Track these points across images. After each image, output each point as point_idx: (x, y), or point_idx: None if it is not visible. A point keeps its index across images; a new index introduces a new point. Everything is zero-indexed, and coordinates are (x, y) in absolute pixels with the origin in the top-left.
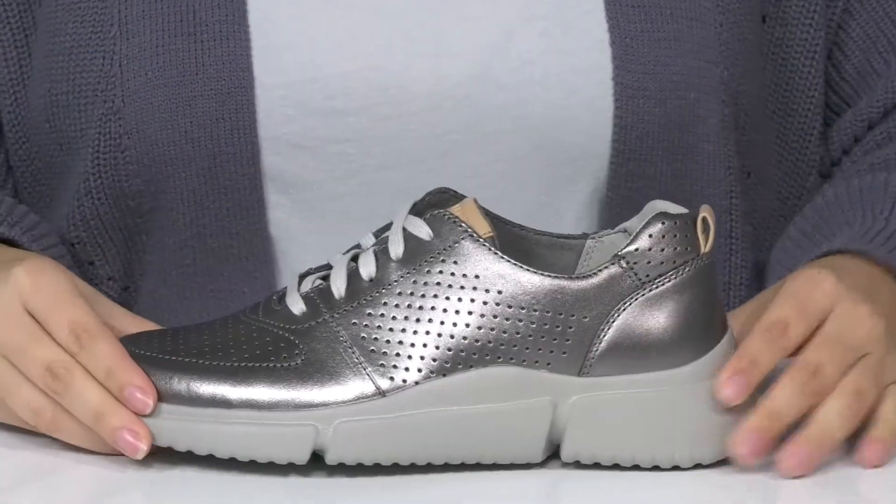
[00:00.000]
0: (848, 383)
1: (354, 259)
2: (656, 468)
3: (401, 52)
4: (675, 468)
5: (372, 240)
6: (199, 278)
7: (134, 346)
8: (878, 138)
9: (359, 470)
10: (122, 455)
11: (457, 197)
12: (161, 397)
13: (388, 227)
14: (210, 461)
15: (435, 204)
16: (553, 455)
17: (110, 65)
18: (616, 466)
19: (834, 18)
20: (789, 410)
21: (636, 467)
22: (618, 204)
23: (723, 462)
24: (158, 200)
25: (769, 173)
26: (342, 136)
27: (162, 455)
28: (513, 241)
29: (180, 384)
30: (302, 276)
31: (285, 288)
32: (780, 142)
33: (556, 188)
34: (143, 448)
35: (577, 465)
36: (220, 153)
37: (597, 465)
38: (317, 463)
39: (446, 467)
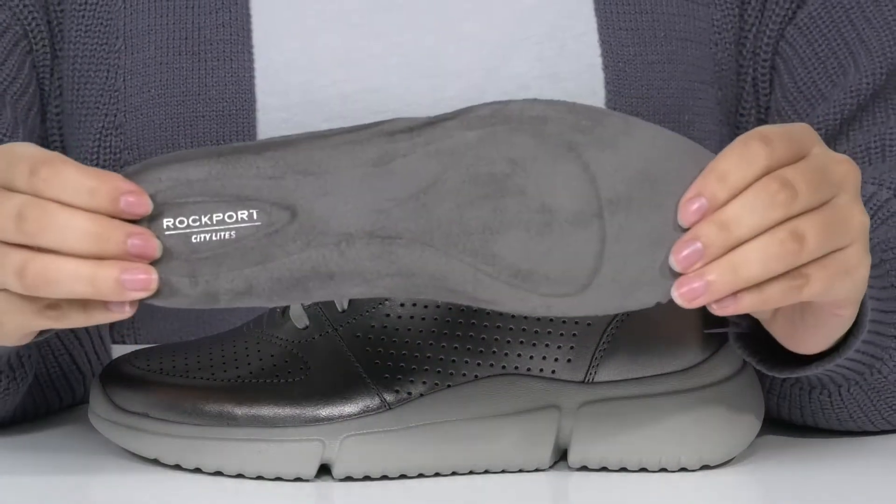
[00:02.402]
0: (794, 224)
1: None
2: (663, 470)
3: (397, 73)
4: (683, 470)
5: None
6: None
7: (137, 364)
8: None
9: (367, 478)
10: (130, 454)
11: None
12: (167, 416)
13: None
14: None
15: None
16: (560, 459)
17: (114, 79)
18: (623, 469)
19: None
20: (744, 220)
21: (643, 470)
22: None
23: (730, 463)
24: None
25: None
26: None
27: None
28: None
29: (186, 403)
30: None
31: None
32: None
33: None
34: (157, 244)
35: (585, 468)
36: None
37: (604, 469)
38: (323, 467)
39: (453, 473)
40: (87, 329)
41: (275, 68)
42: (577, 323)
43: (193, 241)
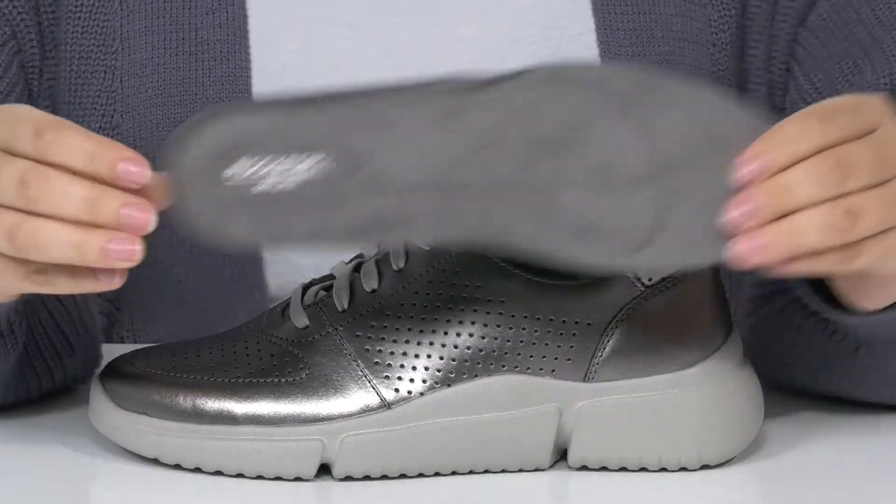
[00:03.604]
0: (851, 200)
1: (357, 269)
2: (663, 470)
3: (393, 74)
4: (683, 470)
5: (374, 249)
6: (192, 295)
7: (137, 363)
8: None
9: (367, 477)
10: (130, 454)
11: None
12: (167, 415)
13: None
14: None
15: None
16: (560, 459)
17: (111, 80)
18: (623, 469)
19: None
20: (800, 189)
21: (643, 470)
22: None
23: (730, 463)
24: None
25: None
26: None
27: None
28: None
29: (185, 402)
30: (305, 287)
31: (288, 299)
32: None
33: None
34: (153, 218)
35: (585, 468)
36: None
37: (604, 468)
38: (323, 467)
39: (453, 473)
40: (74, 299)
41: (271, 69)
42: (577, 322)
43: (255, 190)
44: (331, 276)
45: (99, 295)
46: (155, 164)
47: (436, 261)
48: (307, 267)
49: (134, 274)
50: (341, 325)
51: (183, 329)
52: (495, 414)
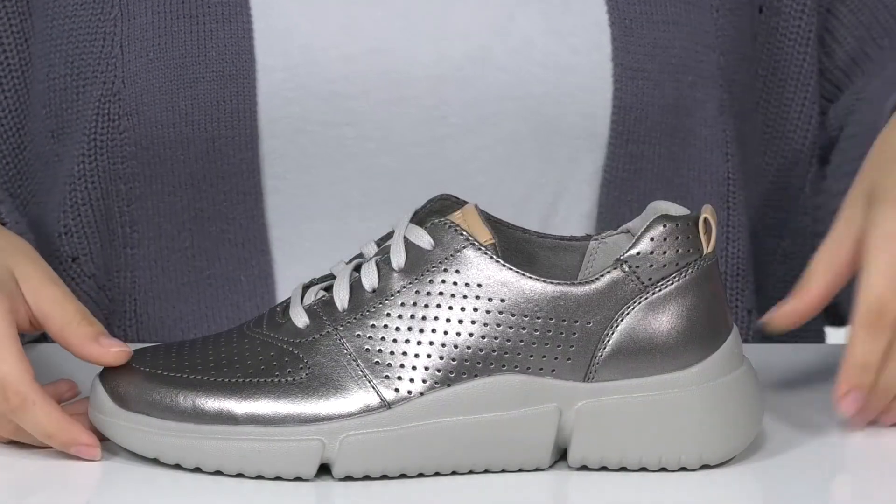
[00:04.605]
0: None
1: (357, 269)
2: (663, 470)
3: (402, 35)
4: (683, 470)
5: (374, 248)
6: (197, 262)
7: (138, 363)
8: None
9: (367, 477)
10: (130, 454)
11: (458, 203)
12: (167, 415)
13: (390, 235)
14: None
15: (436, 211)
16: (560, 459)
17: (111, 46)
18: (623, 469)
19: (824, 4)
20: (873, 358)
21: (643, 470)
22: (616, 186)
23: (730, 463)
24: (154, 185)
25: (759, 164)
26: (342, 121)
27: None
28: (515, 245)
29: (185, 401)
30: (305, 287)
31: (289, 299)
32: (775, 133)
33: (554, 169)
34: (98, 453)
35: (585, 468)
36: (219, 136)
37: (604, 468)
38: (324, 467)
39: (453, 473)
40: None
41: (273, 32)
42: (577, 322)
43: None
44: (331, 276)
45: (89, 276)
46: (157, 128)
47: (436, 260)
48: (310, 232)
49: (140, 242)
50: (341, 325)
51: (188, 302)
52: (495, 414)
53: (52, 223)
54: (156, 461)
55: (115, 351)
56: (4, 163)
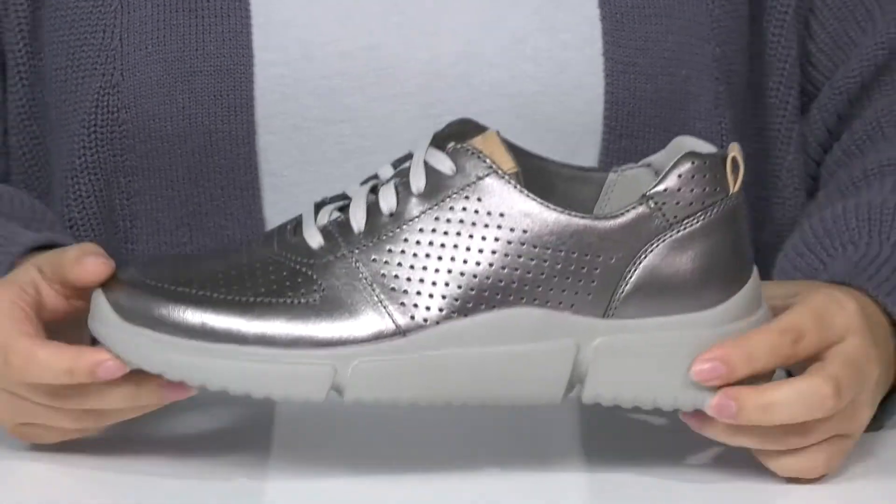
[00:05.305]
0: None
1: (373, 191)
2: (677, 411)
3: (396, 31)
4: (697, 412)
5: (391, 171)
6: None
7: (144, 276)
8: (867, 129)
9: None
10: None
11: (478, 129)
12: (174, 331)
13: (406, 157)
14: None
15: (456, 136)
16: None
17: (110, 38)
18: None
19: None
20: (762, 363)
21: (657, 410)
22: None
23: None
24: (152, 178)
25: (746, 150)
26: (337, 117)
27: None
28: (533, 174)
29: (194, 318)
30: (318, 206)
31: (300, 216)
32: (755, 118)
33: None
34: (125, 365)
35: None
36: (217, 131)
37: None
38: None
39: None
40: None
41: (273, 25)
42: (599, 258)
43: None
44: (343, 196)
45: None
46: (155, 122)
47: (457, 187)
48: (304, 193)
49: (139, 237)
50: (357, 248)
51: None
52: (511, 346)
53: (56, 216)
54: (157, 461)
55: (91, 266)
56: (21, 153)
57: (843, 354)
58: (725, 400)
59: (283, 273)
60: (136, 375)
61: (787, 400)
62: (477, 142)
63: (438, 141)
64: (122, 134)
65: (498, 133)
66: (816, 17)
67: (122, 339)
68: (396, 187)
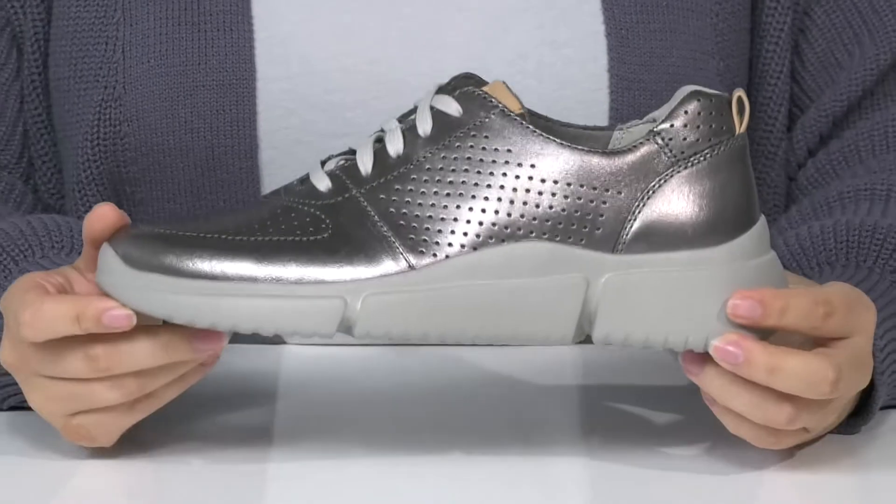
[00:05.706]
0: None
1: (379, 140)
2: (689, 350)
3: (399, 46)
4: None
5: (396, 124)
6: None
7: (153, 224)
8: (844, 151)
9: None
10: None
11: (482, 82)
12: (182, 274)
13: (413, 111)
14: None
15: (462, 86)
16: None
17: (113, 51)
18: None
19: (802, 4)
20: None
21: (668, 349)
22: None
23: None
24: (154, 190)
25: None
26: (340, 132)
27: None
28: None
29: (203, 260)
30: (323, 162)
31: (306, 174)
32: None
33: None
34: (133, 315)
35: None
36: (219, 145)
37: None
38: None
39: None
40: None
41: (275, 40)
42: (608, 191)
43: None
44: (350, 151)
45: None
46: (157, 135)
47: (464, 126)
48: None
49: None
50: (365, 189)
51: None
52: (521, 280)
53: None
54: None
55: (102, 209)
56: (41, 162)
57: (853, 350)
58: (737, 347)
59: (291, 215)
60: (165, 330)
61: (793, 370)
62: (484, 88)
63: (444, 90)
64: (125, 147)
65: (504, 83)
66: (806, 37)
67: (129, 285)
68: (403, 132)
